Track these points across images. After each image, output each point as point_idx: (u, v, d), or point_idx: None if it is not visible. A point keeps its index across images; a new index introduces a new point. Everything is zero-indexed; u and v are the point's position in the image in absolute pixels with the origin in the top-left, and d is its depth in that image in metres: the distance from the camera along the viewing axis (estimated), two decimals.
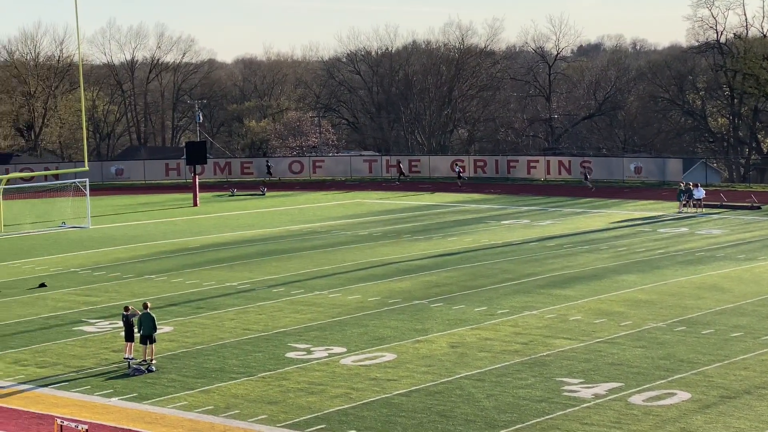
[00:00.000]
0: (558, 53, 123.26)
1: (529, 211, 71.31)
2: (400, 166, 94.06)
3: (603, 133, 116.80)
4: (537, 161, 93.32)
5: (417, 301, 41.18)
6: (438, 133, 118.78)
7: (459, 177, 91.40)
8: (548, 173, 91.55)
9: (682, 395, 28.19)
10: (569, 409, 27.25)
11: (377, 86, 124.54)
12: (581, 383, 29.53)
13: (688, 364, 31.31)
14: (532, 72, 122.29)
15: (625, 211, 70.76)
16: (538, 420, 26.47)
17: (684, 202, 69.67)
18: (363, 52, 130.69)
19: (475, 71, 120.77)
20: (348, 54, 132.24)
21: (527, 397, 28.38)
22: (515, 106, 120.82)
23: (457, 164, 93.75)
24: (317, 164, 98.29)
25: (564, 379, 29.96)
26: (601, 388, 28.98)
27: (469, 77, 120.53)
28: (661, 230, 60.70)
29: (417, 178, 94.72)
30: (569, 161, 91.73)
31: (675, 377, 29.95)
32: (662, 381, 29.58)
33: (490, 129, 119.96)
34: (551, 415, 26.79)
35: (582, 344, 33.94)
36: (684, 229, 60.80)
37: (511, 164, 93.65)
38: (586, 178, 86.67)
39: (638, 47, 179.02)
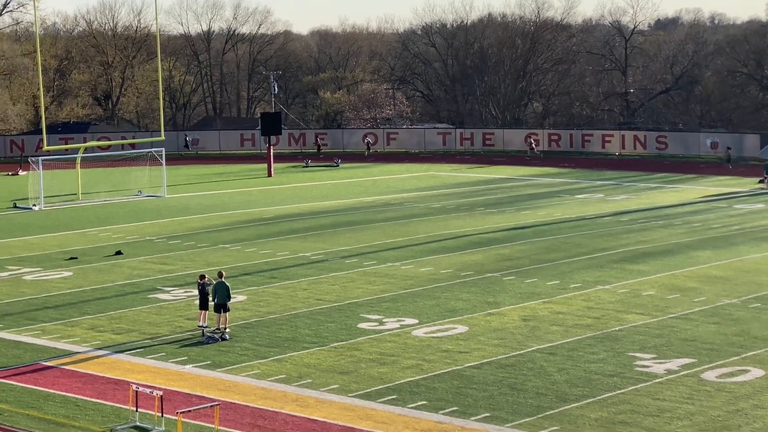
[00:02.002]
0: (635, 27, 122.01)
1: (604, 186, 70.80)
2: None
3: (679, 107, 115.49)
4: (612, 135, 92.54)
5: (489, 274, 41.13)
6: (512, 106, 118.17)
7: (531, 149, 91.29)
8: (623, 148, 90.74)
9: (756, 372, 27.93)
10: (641, 384, 27.12)
11: (452, 59, 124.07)
12: (654, 358, 29.37)
13: (763, 341, 30.98)
14: (608, 46, 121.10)
15: (701, 186, 70.01)
16: (610, 394, 26.38)
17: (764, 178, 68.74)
18: (438, 25, 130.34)
19: (550, 44, 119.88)
20: (423, 26, 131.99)
21: (599, 372, 28.28)
22: (590, 80, 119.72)
23: (531, 137, 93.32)
24: (391, 136, 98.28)
25: (636, 354, 29.80)
26: (674, 364, 28.79)
27: (545, 51, 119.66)
28: (737, 206, 59.98)
29: (490, 151, 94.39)
30: (645, 136, 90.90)
31: (749, 354, 29.67)
32: (736, 357, 29.32)
33: (564, 103, 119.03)
34: (623, 390, 26.69)
35: (655, 320, 33.72)
36: (760, 206, 60.02)
37: (586, 138, 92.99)
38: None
39: (716, 21, 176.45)
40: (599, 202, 62.30)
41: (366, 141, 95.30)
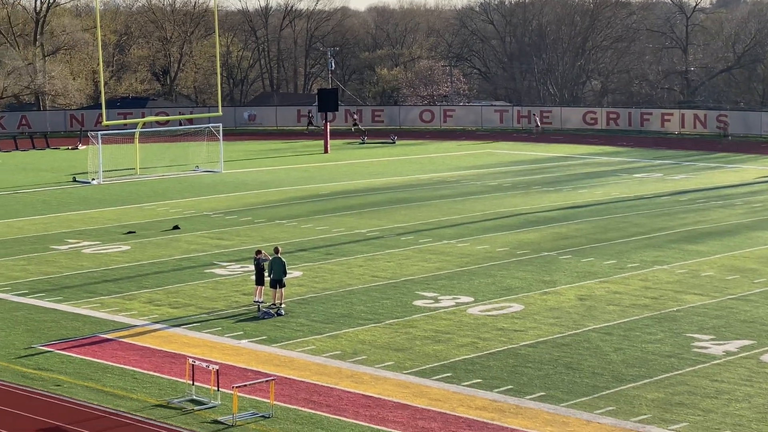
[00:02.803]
0: (696, 4, 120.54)
1: (662, 165, 70.20)
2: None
3: (741, 86, 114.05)
4: (671, 114, 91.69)
5: (545, 253, 40.95)
6: (570, 84, 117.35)
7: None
8: (683, 127, 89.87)
9: None
10: (699, 366, 26.90)
11: (510, 36, 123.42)
12: (712, 340, 29.12)
13: None
14: (668, 23, 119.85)
15: (762, 166, 69.19)
16: (667, 375, 26.19)
17: None
18: (497, 2, 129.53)
19: (609, 22, 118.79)
20: (481, 3, 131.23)
21: (656, 352, 28.08)
22: (650, 57, 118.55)
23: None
24: (448, 114, 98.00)
25: (694, 335, 29.56)
26: (733, 346, 28.53)
27: (604, 28, 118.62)
28: None
29: (548, 129, 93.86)
30: (705, 115, 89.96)
31: None
32: None
33: (623, 81, 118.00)
34: (680, 371, 26.49)
35: (713, 300, 33.42)
36: None
37: (645, 117, 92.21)
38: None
39: None
40: (657, 182, 61.79)
41: (353, 117, 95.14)
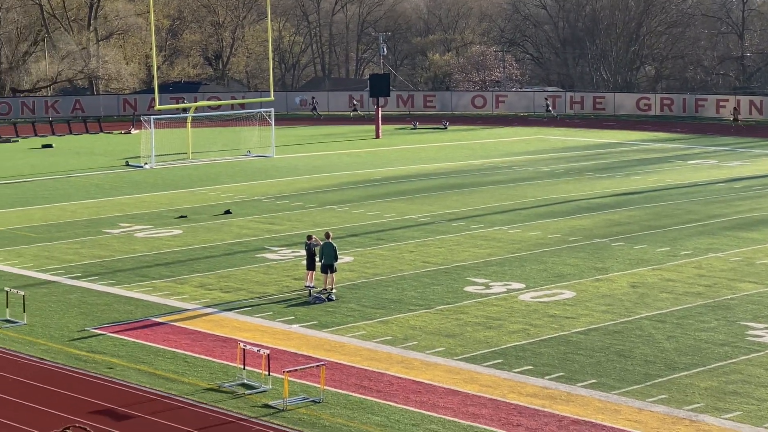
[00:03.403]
0: None
1: (717, 152, 69.51)
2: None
3: None
4: (727, 100, 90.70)
5: (598, 240, 40.69)
6: (624, 70, 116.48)
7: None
8: (738, 113, 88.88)
9: None
10: (753, 354, 26.62)
11: (563, 21, 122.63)
12: (767, 328, 28.79)
13: None
14: (724, 8, 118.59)
15: None
16: (720, 364, 25.94)
17: None
18: None
19: (664, 7, 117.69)
20: None
21: (709, 341, 27.82)
22: (705, 43, 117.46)
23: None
24: (500, 99, 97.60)
25: (749, 324, 29.26)
26: None
27: (658, 13, 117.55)
28: None
29: (601, 115, 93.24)
30: (761, 101, 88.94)
31: None
32: None
33: (678, 66, 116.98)
34: (734, 360, 26.23)
35: None
36: None
37: (700, 103, 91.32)
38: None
39: None
40: (712, 168, 61.19)
41: (354, 102, 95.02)
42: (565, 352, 26.96)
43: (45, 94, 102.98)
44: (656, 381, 24.81)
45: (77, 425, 9.45)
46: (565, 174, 59.13)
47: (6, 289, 31.52)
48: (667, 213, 46.41)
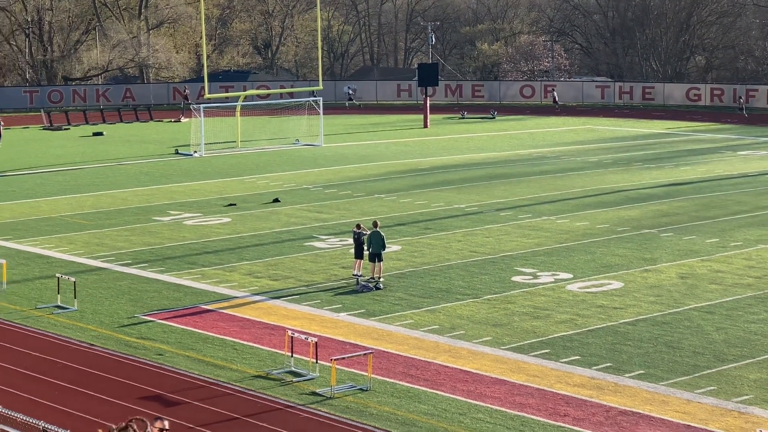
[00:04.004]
0: None
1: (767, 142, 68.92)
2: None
3: None
4: None
5: (646, 230, 40.51)
6: (674, 60, 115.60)
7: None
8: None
9: None
10: None
11: (612, 11, 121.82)
12: None
13: None
14: None
15: None
16: None
17: None
18: None
19: None
20: None
21: (759, 332, 27.65)
22: (757, 33, 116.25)
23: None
24: (548, 89, 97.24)
25: None
26: None
27: (709, 3, 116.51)
28: None
29: (650, 105, 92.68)
30: None
31: None
32: None
33: (729, 57, 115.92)
34: None
35: None
36: None
37: (750, 93, 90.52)
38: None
39: None
40: (763, 159, 60.67)
41: (350, 92, 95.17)
42: (612, 343, 26.90)
43: (96, 82, 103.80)
44: (705, 372, 24.71)
45: (137, 417, 9.53)
46: (614, 164, 58.87)
47: (57, 275, 31.86)
48: (717, 204, 46.12)
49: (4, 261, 33.41)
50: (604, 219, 42.81)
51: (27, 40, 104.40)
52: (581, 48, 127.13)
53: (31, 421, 17.28)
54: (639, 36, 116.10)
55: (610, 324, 28.53)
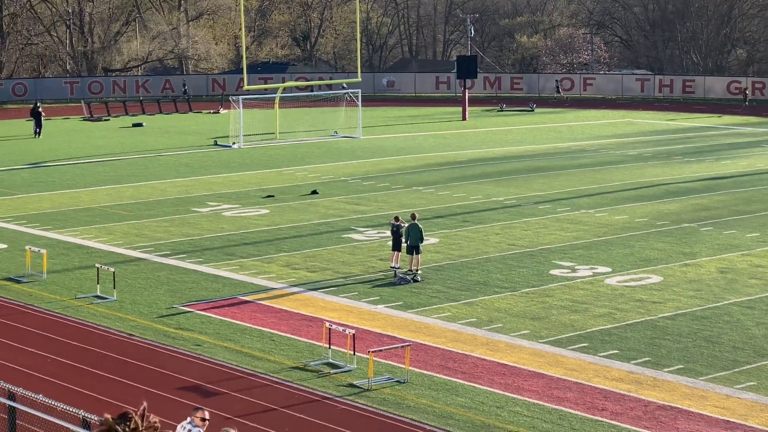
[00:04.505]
0: None
1: None
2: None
3: None
4: None
5: (686, 224, 40.27)
6: (714, 53, 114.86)
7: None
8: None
9: None
10: None
11: (653, 3, 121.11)
12: None
13: None
14: None
15: None
16: None
17: None
18: None
19: None
20: None
21: None
22: None
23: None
24: (587, 82, 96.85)
25: None
26: None
27: None
28: None
29: (690, 98, 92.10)
30: None
31: None
32: None
33: None
34: None
35: None
36: None
37: None
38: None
39: None
40: None
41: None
42: (651, 337, 26.76)
43: (136, 73, 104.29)
44: (744, 368, 24.54)
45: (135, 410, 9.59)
46: (653, 158, 58.54)
47: (97, 265, 32.04)
48: (758, 198, 45.77)
49: (44, 251, 33.66)
50: (643, 213, 42.60)
51: (68, 31, 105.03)
52: (621, 41, 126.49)
53: (71, 410, 17.39)
54: (679, 29, 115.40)
55: (648, 318, 28.39)
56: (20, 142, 66.44)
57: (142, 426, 6.00)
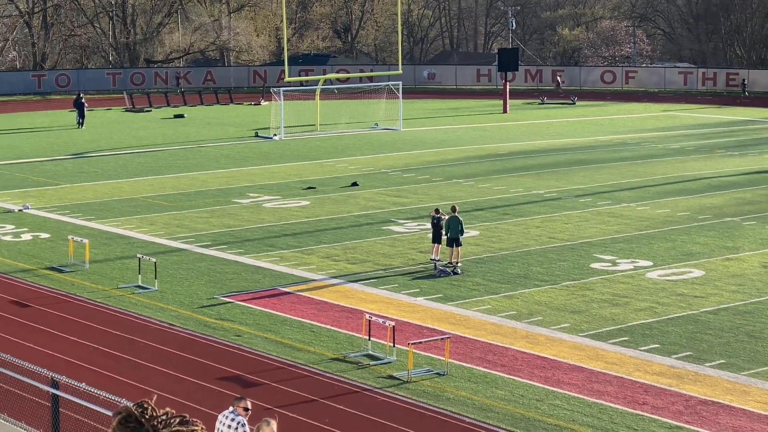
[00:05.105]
0: None
1: None
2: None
3: None
4: None
5: (728, 218, 39.99)
6: (759, 46, 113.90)
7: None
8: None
9: None
10: None
11: None
12: None
13: None
14: None
15: None
16: None
17: None
18: None
19: None
20: None
21: None
22: None
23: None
24: (630, 75, 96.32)
25: None
26: None
27: None
28: None
29: (734, 92, 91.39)
30: None
31: None
32: None
33: None
34: None
35: None
36: None
37: None
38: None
39: None
40: None
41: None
42: (693, 332, 26.61)
43: (177, 65, 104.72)
44: None
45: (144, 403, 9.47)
46: (696, 151, 58.17)
47: (138, 255, 32.22)
48: None
49: (86, 241, 33.88)
50: (686, 206, 42.34)
51: (110, 22, 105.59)
52: (664, 33, 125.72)
53: (113, 398, 17.51)
54: (723, 21, 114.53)
55: (690, 312, 28.22)
56: (63, 133, 66.90)
57: (159, 413, 6.04)
